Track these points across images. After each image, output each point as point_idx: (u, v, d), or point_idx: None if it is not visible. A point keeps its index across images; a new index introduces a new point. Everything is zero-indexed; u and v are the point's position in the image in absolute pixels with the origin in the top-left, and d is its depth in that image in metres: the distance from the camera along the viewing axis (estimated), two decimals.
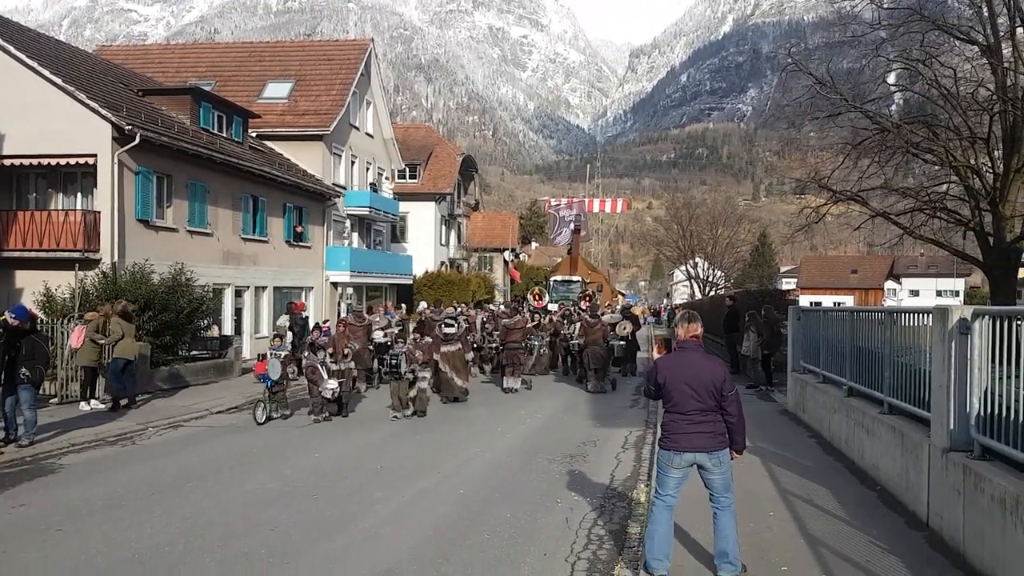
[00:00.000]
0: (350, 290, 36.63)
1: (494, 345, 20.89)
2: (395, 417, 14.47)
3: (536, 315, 23.51)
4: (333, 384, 14.32)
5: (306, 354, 15.11)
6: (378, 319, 20.06)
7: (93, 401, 15.44)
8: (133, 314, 16.09)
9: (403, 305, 30.27)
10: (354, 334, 17.78)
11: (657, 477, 6.45)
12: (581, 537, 7.59)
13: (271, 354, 14.76)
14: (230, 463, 10.98)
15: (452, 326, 17.18)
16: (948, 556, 6.55)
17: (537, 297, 32.91)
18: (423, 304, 25.12)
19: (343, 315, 28.09)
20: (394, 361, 14.99)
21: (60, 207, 22.19)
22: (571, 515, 8.33)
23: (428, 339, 15.81)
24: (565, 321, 23.23)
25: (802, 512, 7.99)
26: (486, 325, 21.94)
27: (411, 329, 20.04)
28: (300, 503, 8.80)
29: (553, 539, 7.50)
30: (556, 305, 31.10)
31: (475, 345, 21.47)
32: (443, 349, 16.74)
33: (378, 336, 18.88)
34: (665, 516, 6.22)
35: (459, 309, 22.82)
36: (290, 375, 14.85)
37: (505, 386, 18.46)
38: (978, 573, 6.10)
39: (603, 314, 22.23)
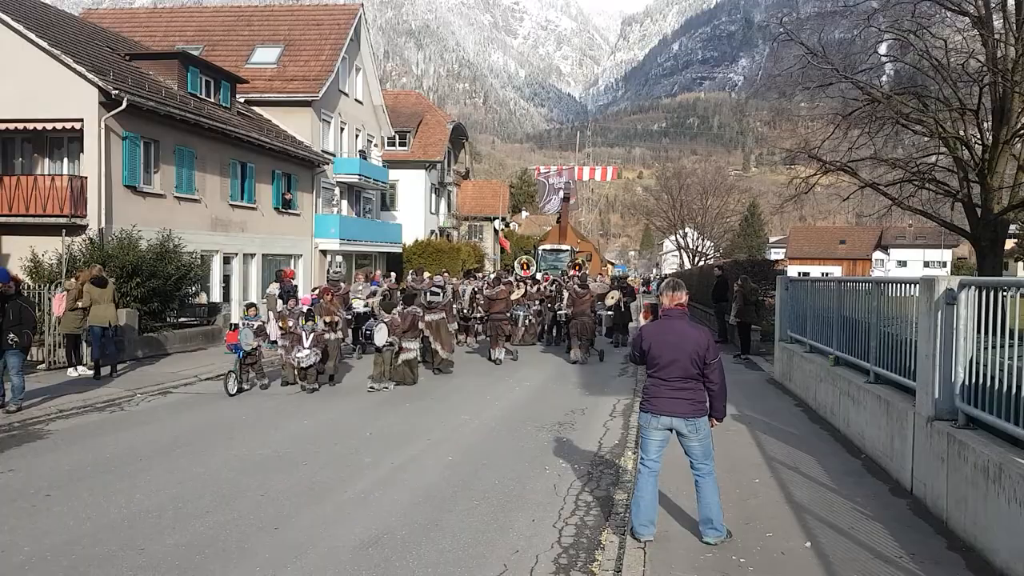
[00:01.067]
0: (339, 258, 36.50)
1: (479, 315, 20.58)
2: (372, 388, 14.07)
3: (524, 284, 23.17)
4: (304, 353, 13.93)
5: (293, 321, 14.71)
6: (361, 287, 19.67)
7: (80, 368, 15.40)
8: (108, 280, 15.64)
9: (392, 274, 30.16)
10: (330, 302, 17.36)
11: (640, 441, 6.54)
12: (569, 503, 7.66)
13: (243, 324, 14.29)
14: (219, 429, 11.00)
15: (437, 294, 16.85)
16: (931, 523, 6.64)
17: (525, 267, 32.47)
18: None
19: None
20: (368, 332, 14.67)
21: (47, 172, 21.96)
22: (559, 482, 8.40)
23: (414, 308, 15.34)
24: (554, 290, 22.72)
25: (787, 479, 8.07)
26: (476, 296, 21.43)
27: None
28: (290, 469, 8.83)
29: (541, 505, 7.57)
30: (541, 274, 30.75)
31: (462, 314, 21.33)
32: (427, 318, 16.26)
33: (358, 306, 18.55)
34: (650, 482, 6.29)
35: (444, 278, 22.32)
36: (263, 345, 14.51)
37: (492, 356, 18.24)
38: (960, 539, 6.19)
39: (593, 281, 22.01)
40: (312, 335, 14.15)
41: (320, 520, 7.09)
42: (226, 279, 27.59)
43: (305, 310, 15.02)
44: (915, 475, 7.39)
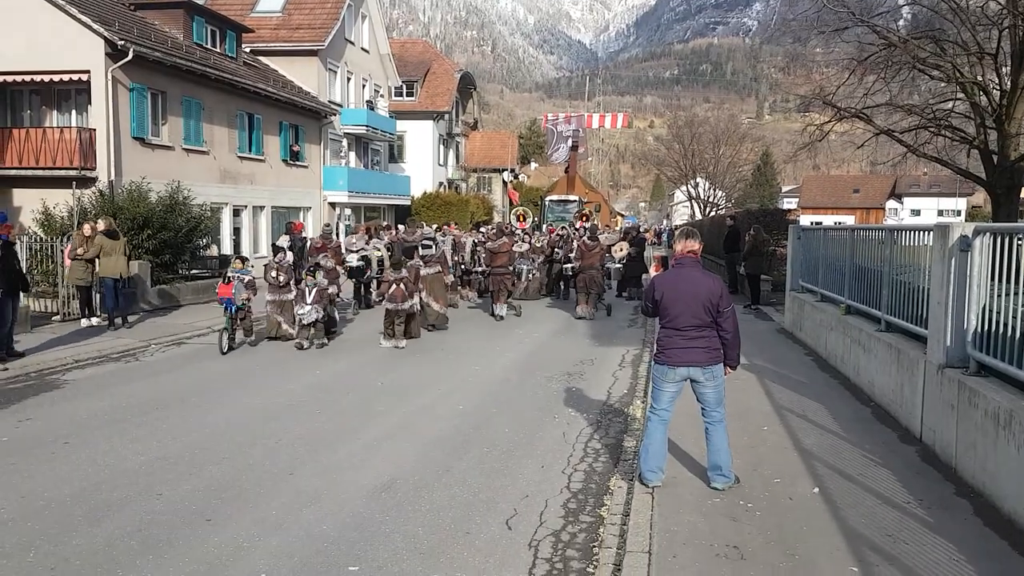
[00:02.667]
0: (348, 211, 36.49)
1: (480, 269, 19.50)
2: (382, 344, 13.62)
3: (529, 236, 22.40)
4: (306, 310, 13.43)
5: (285, 276, 14.23)
6: (354, 240, 18.96)
7: (94, 318, 15.51)
8: (119, 232, 15.56)
9: (400, 226, 29.92)
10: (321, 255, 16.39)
11: (652, 392, 6.55)
12: (578, 451, 7.73)
13: (236, 278, 13.55)
14: (232, 379, 11.11)
15: (429, 247, 16.04)
16: (939, 469, 6.68)
17: (520, 219, 31.17)
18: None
19: (340, 235, 27.68)
20: (380, 298, 14.19)
21: (55, 125, 21.93)
22: (568, 430, 8.47)
23: (416, 261, 14.97)
24: (561, 242, 21.47)
25: (796, 427, 8.12)
26: (477, 249, 20.23)
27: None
28: (303, 417, 8.94)
29: (550, 452, 7.65)
30: (547, 226, 29.83)
31: (463, 267, 20.56)
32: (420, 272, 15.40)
33: (352, 260, 18.05)
34: (659, 430, 6.32)
35: (437, 231, 21.09)
36: (250, 300, 13.71)
37: (495, 312, 17.36)
38: (968, 486, 6.23)
39: (602, 234, 21.14)
40: (315, 290, 13.65)
41: (334, 466, 7.18)
42: (236, 231, 27.66)
43: (311, 265, 14.51)
44: (924, 422, 7.42)
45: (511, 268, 17.79)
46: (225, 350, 12.99)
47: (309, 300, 13.53)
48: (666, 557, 5.07)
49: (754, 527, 5.53)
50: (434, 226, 24.03)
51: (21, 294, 12.63)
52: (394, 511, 6.11)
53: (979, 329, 6.52)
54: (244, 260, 14.57)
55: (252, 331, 14.10)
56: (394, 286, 13.84)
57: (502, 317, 17.13)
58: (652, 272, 6.08)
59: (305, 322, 13.53)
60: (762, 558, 5.04)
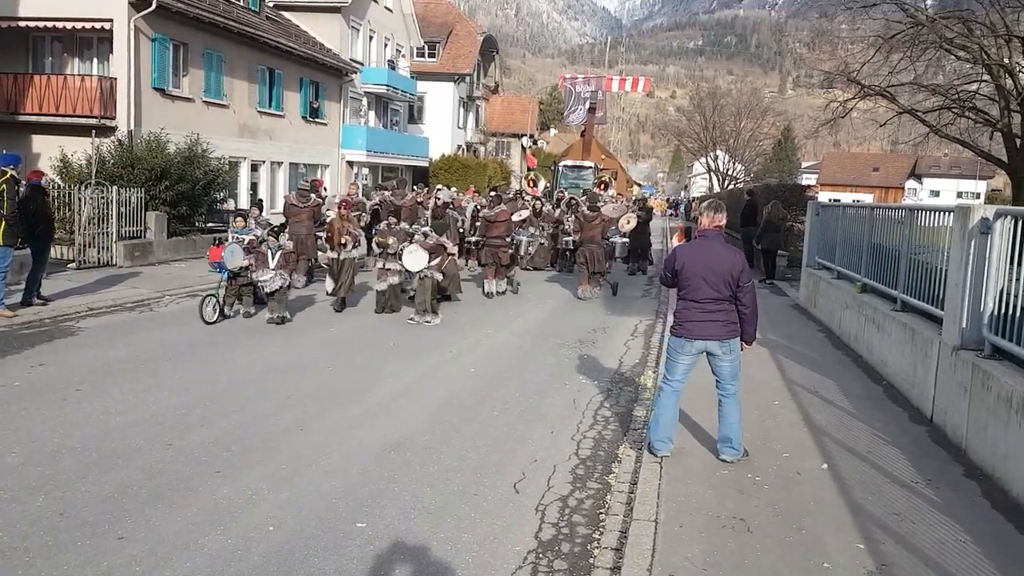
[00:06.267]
0: (365, 170, 36.41)
1: (474, 239, 17.37)
2: (412, 320, 12.27)
3: (541, 203, 21.22)
4: (268, 276, 11.72)
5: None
6: (336, 199, 16.85)
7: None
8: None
9: (385, 191, 28.59)
10: (295, 217, 15.46)
11: (667, 363, 6.52)
12: (587, 418, 7.75)
13: (233, 238, 12.37)
14: (246, 333, 11.15)
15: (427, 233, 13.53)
16: (949, 451, 6.66)
17: (531, 183, 29.38)
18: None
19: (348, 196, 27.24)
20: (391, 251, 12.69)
21: (76, 72, 21.89)
22: (578, 396, 8.48)
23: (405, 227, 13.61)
24: (569, 211, 19.72)
25: (807, 403, 8.10)
26: (477, 216, 17.95)
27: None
28: (315, 374, 8.98)
29: (560, 418, 7.66)
30: (558, 193, 27.61)
31: (461, 235, 18.70)
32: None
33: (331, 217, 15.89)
34: (672, 401, 6.31)
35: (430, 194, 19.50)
36: (252, 264, 11.96)
37: (486, 289, 15.54)
38: (977, 468, 6.20)
39: (604, 205, 18.38)
40: (280, 254, 12.06)
41: (344, 423, 7.22)
42: (253, 187, 27.65)
43: (273, 224, 13.07)
44: (936, 403, 7.38)
45: (508, 239, 16.07)
46: (211, 319, 11.54)
47: (272, 265, 11.87)
48: (672, 527, 5.08)
49: (761, 500, 5.54)
50: (452, 188, 23.43)
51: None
52: (402, 470, 6.14)
53: (996, 312, 6.46)
54: (246, 218, 13.51)
55: (253, 300, 12.37)
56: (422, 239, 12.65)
57: (492, 294, 15.42)
58: (674, 242, 6.04)
59: (267, 290, 11.83)
60: (768, 531, 5.04)
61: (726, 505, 5.44)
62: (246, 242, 12.27)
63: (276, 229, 12.62)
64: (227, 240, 12.48)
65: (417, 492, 5.73)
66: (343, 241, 13.07)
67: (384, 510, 5.40)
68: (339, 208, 13.84)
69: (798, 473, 6.08)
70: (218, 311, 11.78)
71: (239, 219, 13.43)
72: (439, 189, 20.36)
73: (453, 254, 13.93)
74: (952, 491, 5.78)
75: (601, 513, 5.51)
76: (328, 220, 14.37)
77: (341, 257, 13.11)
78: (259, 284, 11.89)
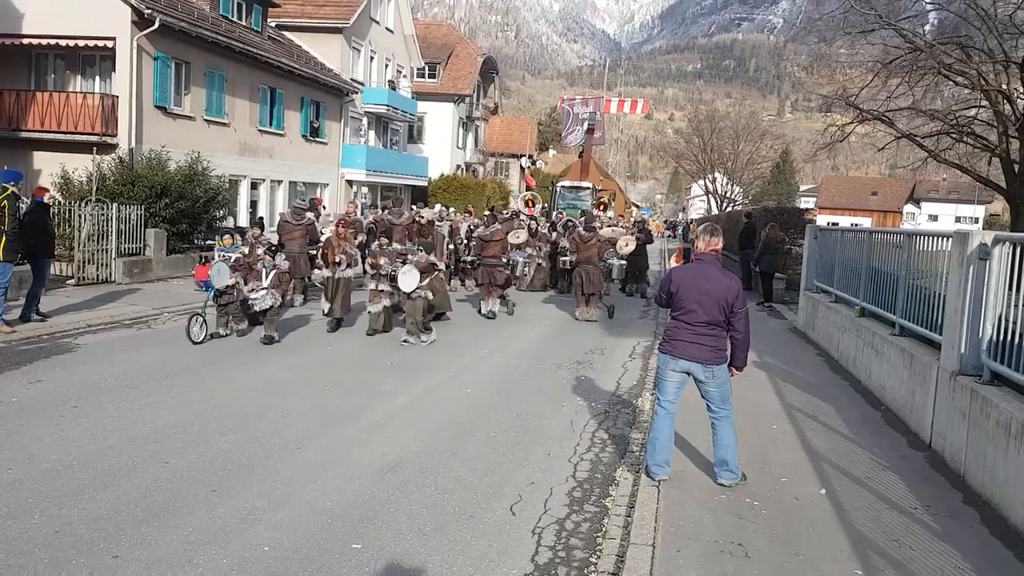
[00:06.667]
0: (365, 189, 36.48)
1: (469, 259, 17.11)
2: (406, 341, 12.11)
3: (536, 223, 20.95)
4: (260, 294, 11.59)
5: (263, 250, 12.43)
6: (332, 219, 17.14)
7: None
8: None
9: (380, 209, 28.36)
10: (289, 235, 15.11)
11: (656, 381, 6.54)
12: (584, 440, 7.72)
13: (219, 256, 12.16)
14: (243, 351, 11.13)
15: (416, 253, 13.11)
16: (948, 477, 6.64)
17: (529, 204, 28.30)
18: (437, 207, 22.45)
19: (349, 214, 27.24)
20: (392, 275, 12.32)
21: (78, 90, 21.96)
22: (575, 418, 8.47)
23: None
24: (565, 232, 19.49)
25: (805, 427, 8.08)
26: (472, 235, 17.77)
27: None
28: (312, 393, 8.95)
29: (557, 440, 7.64)
30: (556, 214, 27.25)
31: (455, 253, 18.40)
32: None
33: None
34: (666, 423, 6.30)
35: (424, 213, 19.14)
36: (239, 283, 11.79)
37: (482, 310, 15.39)
38: (976, 494, 6.19)
39: (602, 227, 18.95)
40: (273, 272, 11.89)
41: (341, 443, 7.20)
42: (253, 205, 27.65)
43: (272, 243, 12.97)
44: (935, 428, 7.37)
45: (505, 259, 15.84)
46: (197, 339, 11.31)
47: (265, 283, 11.73)
48: (670, 551, 5.06)
49: (759, 525, 5.51)
50: (437, 208, 22.99)
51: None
52: (399, 491, 6.12)
53: (994, 338, 6.46)
54: (234, 236, 13.16)
55: (243, 317, 12.22)
56: (420, 256, 12.59)
57: (492, 315, 15.28)
58: (672, 262, 6.05)
59: (257, 308, 11.71)
60: (766, 556, 5.02)
61: (724, 530, 5.41)
62: (232, 260, 12.01)
63: (275, 248, 12.43)
64: (213, 258, 12.24)
65: (413, 513, 5.71)
66: (338, 260, 12.92)
67: (380, 531, 5.38)
68: (337, 226, 13.66)
69: (796, 498, 6.06)
70: (205, 330, 11.54)
71: (226, 237, 13.23)
72: (423, 207, 20.17)
73: (440, 270, 13.85)
74: (951, 518, 5.76)
75: (598, 537, 5.48)
76: (325, 238, 14.27)
77: (336, 276, 12.98)
78: (249, 301, 11.72)
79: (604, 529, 5.58)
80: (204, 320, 11.59)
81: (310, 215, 16.36)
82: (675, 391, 6.32)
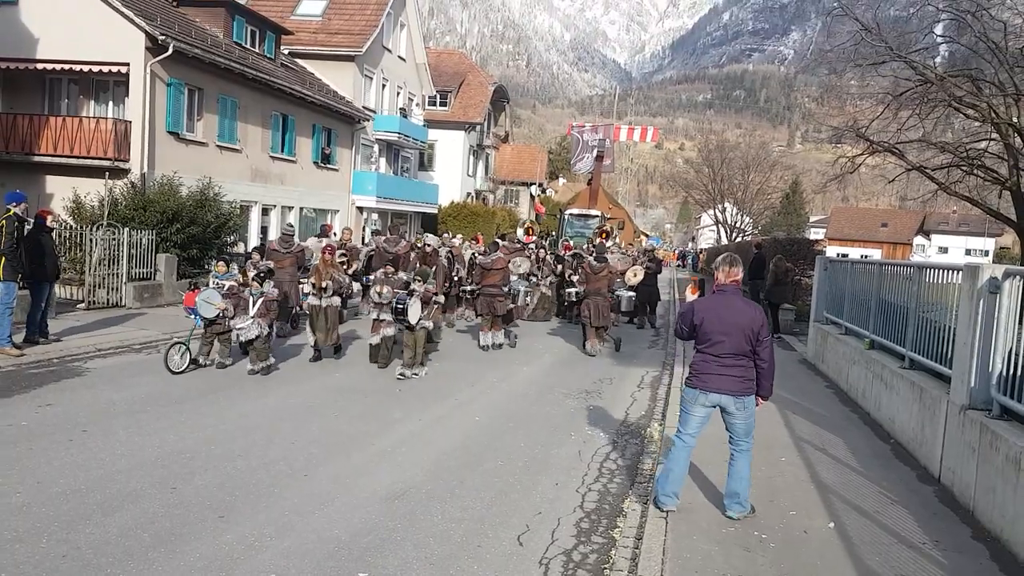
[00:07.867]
0: (375, 215, 36.67)
1: (469, 288, 16.49)
2: (402, 375, 11.62)
3: (537, 251, 20.43)
4: (246, 324, 11.15)
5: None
6: (322, 243, 15.77)
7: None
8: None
9: (378, 236, 26.71)
10: (278, 263, 14.33)
11: (680, 415, 6.49)
12: (593, 470, 7.70)
13: (213, 283, 11.84)
14: (252, 378, 11.13)
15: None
16: (957, 511, 6.59)
17: (529, 231, 28.62)
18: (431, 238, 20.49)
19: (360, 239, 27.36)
20: (400, 306, 11.59)
21: (92, 115, 22.22)
22: (584, 448, 8.44)
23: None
24: (573, 260, 18.94)
25: (814, 460, 8.04)
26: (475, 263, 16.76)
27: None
28: (320, 420, 8.96)
29: (565, 470, 7.62)
30: (563, 242, 27.27)
31: (458, 281, 17.55)
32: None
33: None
34: (683, 455, 6.28)
35: (426, 241, 17.92)
36: (228, 313, 11.31)
37: (481, 343, 14.82)
38: (986, 530, 6.14)
39: (612, 255, 18.33)
40: (261, 301, 11.41)
41: (349, 470, 7.20)
42: (264, 231, 27.82)
43: (266, 268, 12.65)
44: (944, 463, 7.33)
45: (506, 289, 15.27)
46: (177, 369, 10.88)
47: (252, 312, 11.26)
48: None
49: (767, 559, 5.48)
50: (458, 236, 22.92)
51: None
52: (406, 519, 6.11)
53: (1004, 372, 6.44)
54: (227, 263, 12.79)
55: (231, 350, 11.75)
56: (428, 287, 12.29)
57: (488, 347, 14.71)
58: (688, 295, 6.04)
59: (243, 339, 11.32)
60: None
61: (732, 563, 5.38)
62: (226, 288, 11.59)
63: (263, 275, 12.00)
64: (204, 285, 11.93)
65: (420, 542, 5.69)
66: (324, 285, 12.52)
67: (386, 560, 5.37)
68: (323, 253, 13.31)
69: (805, 532, 6.03)
70: (187, 359, 11.11)
71: (220, 263, 12.75)
72: (427, 235, 19.88)
73: (440, 302, 13.62)
74: (960, 553, 5.72)
75: (606, 568, 5.45)
76: (313, 265, 13.87)
77: (323, 304, 12.58)
78: (234, 331, 11.34)
79: (612, 561, 5.55)
80: (187, 348, 11.20)
81: (300, 243, 15.87)
82: (699, 426, 6.30)
